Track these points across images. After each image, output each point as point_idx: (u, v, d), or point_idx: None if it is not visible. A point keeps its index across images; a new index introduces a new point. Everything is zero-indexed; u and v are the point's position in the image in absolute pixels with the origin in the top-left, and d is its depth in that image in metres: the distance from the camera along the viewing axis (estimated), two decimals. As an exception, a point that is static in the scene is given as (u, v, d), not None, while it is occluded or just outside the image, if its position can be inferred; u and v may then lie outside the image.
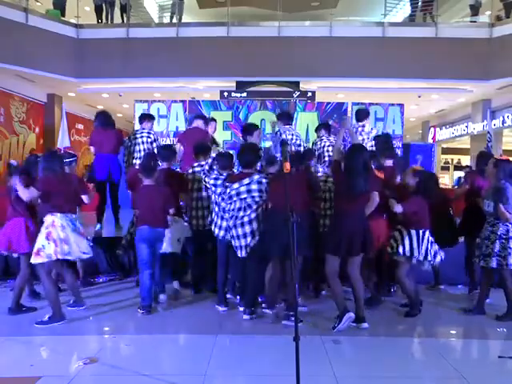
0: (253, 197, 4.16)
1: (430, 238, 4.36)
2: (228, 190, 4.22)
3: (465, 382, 3.00)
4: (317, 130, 6.67)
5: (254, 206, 4.17)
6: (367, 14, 14.20)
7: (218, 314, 4.38)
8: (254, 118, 9.96)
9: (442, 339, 4.00)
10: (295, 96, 10.95)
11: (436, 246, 4.40)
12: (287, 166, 2.77)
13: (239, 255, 4.24)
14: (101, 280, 5.64)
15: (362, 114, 6.33)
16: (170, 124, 9.74)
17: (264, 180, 4.22)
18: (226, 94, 11.13)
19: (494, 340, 4.00)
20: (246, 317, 4.21)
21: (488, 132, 10.56)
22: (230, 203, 4.22)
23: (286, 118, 6.30)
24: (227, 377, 3.11)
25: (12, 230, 4.26)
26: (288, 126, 6.21)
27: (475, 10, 11.49)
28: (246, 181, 4.17)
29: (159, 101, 10.58)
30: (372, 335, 3.88)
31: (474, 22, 11.46)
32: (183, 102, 10.31)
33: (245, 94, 11.03)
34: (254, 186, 4.16)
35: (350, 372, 3.14)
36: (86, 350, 3.41)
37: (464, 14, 12.39)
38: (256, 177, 4.21)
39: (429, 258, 4.31)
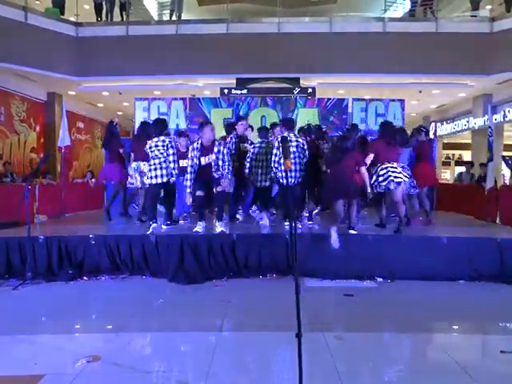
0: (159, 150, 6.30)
1: None
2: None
3: (468, 378, 3.01)
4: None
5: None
6: (367, 10, 14.16)
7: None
8: (254, 115, 9.97)
9: (445, 334, 4.01)
10: (295, 92, 10.93)
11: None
12: (288, 163, 2.73)
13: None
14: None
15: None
16: (171, 122, 9.74)
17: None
18: (226, 91, 11.12)
19: (498, 335, 3.98)
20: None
21: (489, 127, 10.51)
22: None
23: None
24: (229, 374, 3.12)
25: (113, 170, 7.38)
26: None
27: (475, 4, 11.44)
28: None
29: (159, 98, 10.58)
30: (375, 331, 3.89)
31: (475, 16, 11.42)
32: (183, 99, 10.31)
33: (245, 91, 11.02)
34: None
35: (352, 368, 3.15)
36: (90, 348, 3.41)
37: (464, 8, 12.35)
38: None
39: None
